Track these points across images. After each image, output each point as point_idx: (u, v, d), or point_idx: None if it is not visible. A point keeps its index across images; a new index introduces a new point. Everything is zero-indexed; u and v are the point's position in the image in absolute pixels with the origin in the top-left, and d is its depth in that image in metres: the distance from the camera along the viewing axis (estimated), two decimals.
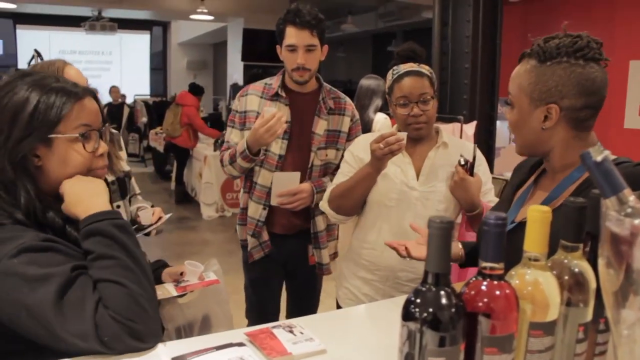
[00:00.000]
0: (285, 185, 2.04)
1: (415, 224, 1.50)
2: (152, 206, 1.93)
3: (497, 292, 0.73)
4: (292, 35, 1.97)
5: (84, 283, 0.97)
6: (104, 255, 1.00)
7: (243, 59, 8.89)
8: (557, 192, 1.15)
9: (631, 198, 0.67)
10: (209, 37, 11.61)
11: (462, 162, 1.63)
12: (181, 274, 1.46)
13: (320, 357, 1.04)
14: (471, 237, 1.69)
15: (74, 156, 1.09)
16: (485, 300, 0.72)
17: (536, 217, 0.75)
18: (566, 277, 0.78)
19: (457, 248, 1.45)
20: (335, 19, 8.92)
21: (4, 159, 1.04)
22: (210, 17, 8.64)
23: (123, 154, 1.96)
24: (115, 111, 8.93)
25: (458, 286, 0.75)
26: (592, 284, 0.78)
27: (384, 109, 3.55)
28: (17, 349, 1.00)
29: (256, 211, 2.12)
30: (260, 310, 2.26)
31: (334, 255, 2.28)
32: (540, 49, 1.12)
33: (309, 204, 2.08)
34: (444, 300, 0.70)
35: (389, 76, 1.72)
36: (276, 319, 2.25)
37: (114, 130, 1.76)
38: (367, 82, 3.71)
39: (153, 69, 13.65)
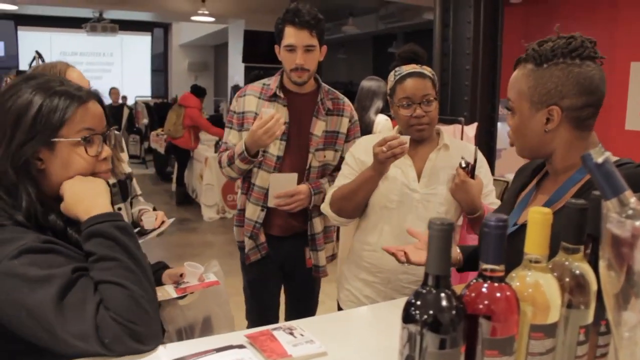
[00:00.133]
0: (282, 186, 2.03)
1: (412, 229, 1.49)
2: (154, 209, 1.93)
3: (498, 294, 0.72)
4: (291, 35, 1.95)
5: (84, 285, 0.97)
6: (105, 257, 1.00)
7: (244, 61, 8.89)
8: (559, 195, 1.15)
9: (632, 200, 0.67)
10: (210, 38, 11.62)
11: (463, 165, 1.62)
12: (181, 275, 1.46)
13: (320, 359, 1.04)
14: (472, 239, 1.69)
15: (76, 160, 1.09)
16: (486, 302, 0.72)
17: (537, 219, 0.75)
18: (567, 279, 0.78)
19: (455, 252, 1.44)
20: (336, 21, 8.93)
21: (6, 162, 1.04)
22: (211, 19, 8.63)
23: (124, 155, 1.95)
24: (114, 113, 8.94)
25: (458, 288, 0.75)
26: (593, 286, 0.77)
27: (384, 110, 3.56)
28: (17, 349, 1.00)
29: (254, 213, 2.11)
30: (260, 311, 2.25)
31: (332, 258, 2.26)
32: (536, 53, 1.13)
33: (306, 205, 2.06)
34: (444, 303, 0.70)
35: (391, 77, 1.72)
36: (276, 320, 2.24)
37: (116, 132, 1.75)
38: (368, 83, 3.71)
39: (154, 71, 13.66)
